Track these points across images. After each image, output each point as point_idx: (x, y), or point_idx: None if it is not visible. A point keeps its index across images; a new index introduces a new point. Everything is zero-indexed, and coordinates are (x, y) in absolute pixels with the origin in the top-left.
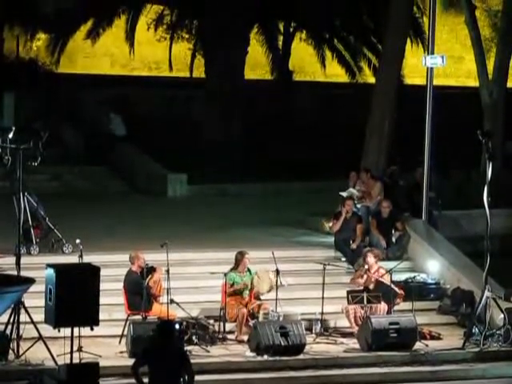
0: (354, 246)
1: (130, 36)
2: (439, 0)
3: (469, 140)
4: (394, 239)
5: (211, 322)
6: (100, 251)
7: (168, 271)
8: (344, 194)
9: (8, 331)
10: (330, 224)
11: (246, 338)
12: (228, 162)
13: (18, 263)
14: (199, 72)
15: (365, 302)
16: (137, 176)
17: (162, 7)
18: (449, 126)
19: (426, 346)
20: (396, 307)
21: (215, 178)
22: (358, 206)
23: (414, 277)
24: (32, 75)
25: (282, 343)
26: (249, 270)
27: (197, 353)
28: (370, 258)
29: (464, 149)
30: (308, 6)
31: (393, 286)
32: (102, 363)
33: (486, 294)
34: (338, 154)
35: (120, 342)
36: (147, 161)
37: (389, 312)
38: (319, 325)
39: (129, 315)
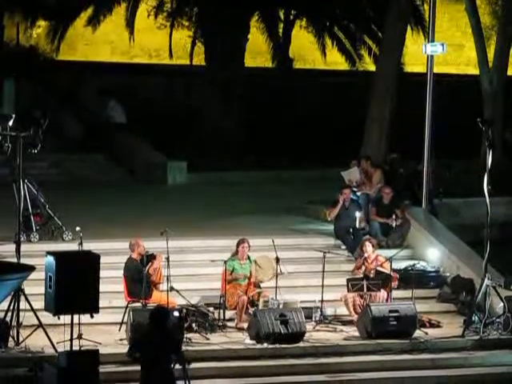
0: (362, 224)
1: (130, 23)
2: None
3: (469, 128)
4: (394, 226)
5: (211, 309)
6: (100, 239)
7: (168, 259)
8: (345, 173)
9: (8, 318)
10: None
11: (245, 325)
12: (228, 150)
13: (18, 250)
14: (199, 59)
15: (364, 289)
16: (136, 164)
17: None
18: (449, 113)
19: (426, 333)
20: (396, 295)
21: (215, 165)
22: (358, 193)
23: (414, 265)
24: (32, 62)
25: (282, 331)
26: (249, 258)
27: (196, 340)
28: (368, 247)
29: (464, 137)
30: None
31: (391, 272)
32: (102, 350)
33: (486, 282)
34: (338, 141)
35: (120, 329)
36: (147, 149)
37: (387, 299)
38: (319, 313)
39: (129, 302)
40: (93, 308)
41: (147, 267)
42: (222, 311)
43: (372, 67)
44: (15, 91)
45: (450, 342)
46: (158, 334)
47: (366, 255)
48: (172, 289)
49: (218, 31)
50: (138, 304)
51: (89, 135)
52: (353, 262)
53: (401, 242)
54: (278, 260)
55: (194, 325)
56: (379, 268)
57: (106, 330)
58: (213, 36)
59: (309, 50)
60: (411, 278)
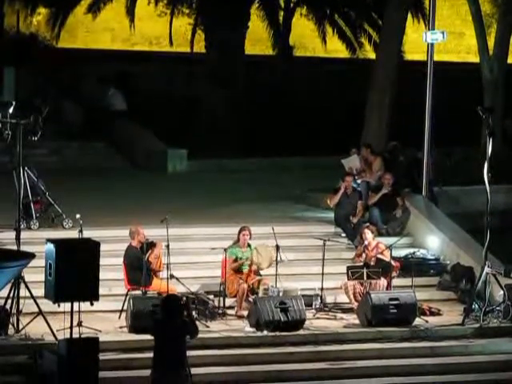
0: (354, 220)
1: (130, 11)
2: None
3: (469, 116)
4: (397, 215)
5: (211, 297)
6: (100, 226)
7: (168, 246)
8: (345, 160)
9: (8, 306)
10: (330, 201)
11: (245, 313)
12: (228, 138)
13: (17, 238)
14: (200, 47)
15: (365, 277)
16: (136, 151)
17: None
18: (449, 102)
19: (426, 321)
20: (396, 283)
21: (215, 153)
22: (359, 181)
23: (414, 253)
24: (32, 50)
25: (282, 319)
26: (249, 246)
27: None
28: (368, 234)
29: (464, 125)
30: None
31: (391, 260)
32: (102, 338)
33: (486, 270)
34: (338, 129)
35: (120, 316)
36: (147, 136)
37: (388, 287)
38: (319, 300)
39: (129, 290)
40: (93, 295)
41: (147, 255)
42: (222, 299)
43: (372, 55)
44: (15, 79)
45: (450, 329)
46: (171, 324)
47: (366, 242)
48: (172, 276)
49: (219, 19)
50: (138, 292)
51: (89, 122)
52: (353, 249)
53: (401, 230)
54: (278, 248)
55: (194, 312)
56: (380, 256)
57: (106, 318)
58: (213, 23)
59: (309, 38)
60: (411, 266)
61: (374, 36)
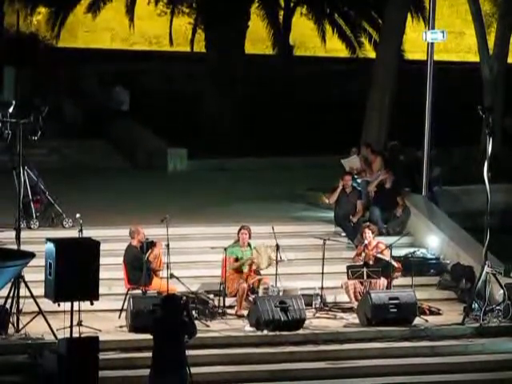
0: (354, 219)
1: (130, 10)
2: None
3: (469, 116)
4: (397, 214)
5: (211, 296)
6: (100, 226)
7: (168, 246)
8: (345, 160)
9: (8, 305)
10: (327, 199)
11: (245, 312)
12: (228, 137)
13: (17, 237)
14: (200, 47)
15: (364, 277)
16: (137, 151)
17: None
18: (449, 101)
19: (426, 321)
20: (396, 282)
21: (215, 153)
22: (359, 180)
23: (414, 252)
24: (32, 49)
25: (282, 318)
26: (249, 245)
27: (196, 327)
28: (368, 234)
29: (464, 124)
30: None
31: (390, 260)
32: (102, 337)
33: (486, 269)
34: (338, 129)
35: (120, 316)
36: (147, 135)
37: (388, 287)
38: (319, 300)
39: (129, 289)
40: (93, 295)
41: (147, 254)
42: (222, 298)
43: (372, 54)
44: (15, 78)
45: (450, 329)
46: (170, 323)
47: (366, 242)
48: (172, 276)
49: (219, 18)
50: (138, 291)
51: (88, 122)
52: (353, 249)
53: (401, 229)
54: (278, 247)
55: (194, 312)
56: (379, 255)
57: (106, 317)
58: (213, 23)
59: (309, 37)
60: (411, 266)
61: (374, 35)
